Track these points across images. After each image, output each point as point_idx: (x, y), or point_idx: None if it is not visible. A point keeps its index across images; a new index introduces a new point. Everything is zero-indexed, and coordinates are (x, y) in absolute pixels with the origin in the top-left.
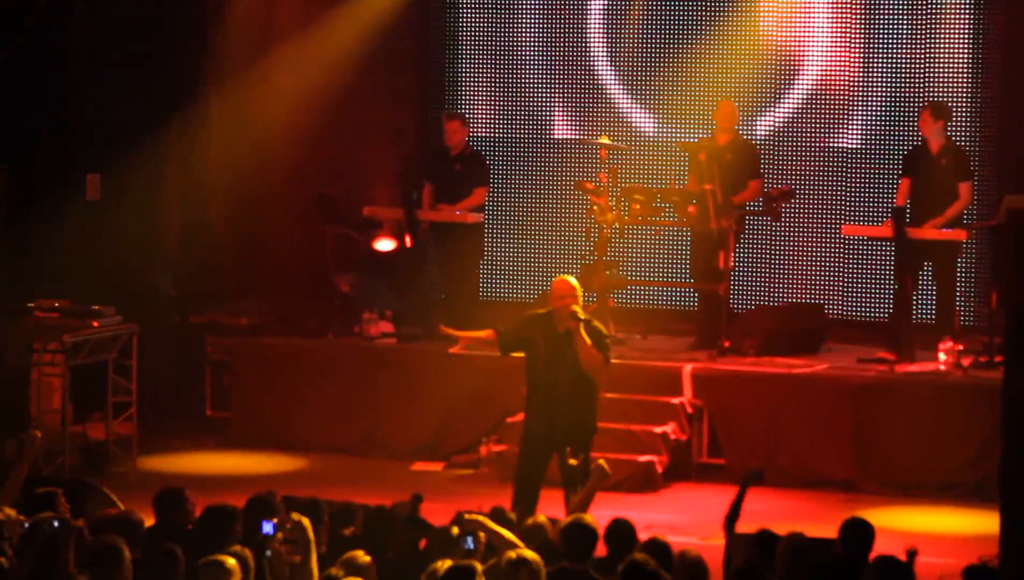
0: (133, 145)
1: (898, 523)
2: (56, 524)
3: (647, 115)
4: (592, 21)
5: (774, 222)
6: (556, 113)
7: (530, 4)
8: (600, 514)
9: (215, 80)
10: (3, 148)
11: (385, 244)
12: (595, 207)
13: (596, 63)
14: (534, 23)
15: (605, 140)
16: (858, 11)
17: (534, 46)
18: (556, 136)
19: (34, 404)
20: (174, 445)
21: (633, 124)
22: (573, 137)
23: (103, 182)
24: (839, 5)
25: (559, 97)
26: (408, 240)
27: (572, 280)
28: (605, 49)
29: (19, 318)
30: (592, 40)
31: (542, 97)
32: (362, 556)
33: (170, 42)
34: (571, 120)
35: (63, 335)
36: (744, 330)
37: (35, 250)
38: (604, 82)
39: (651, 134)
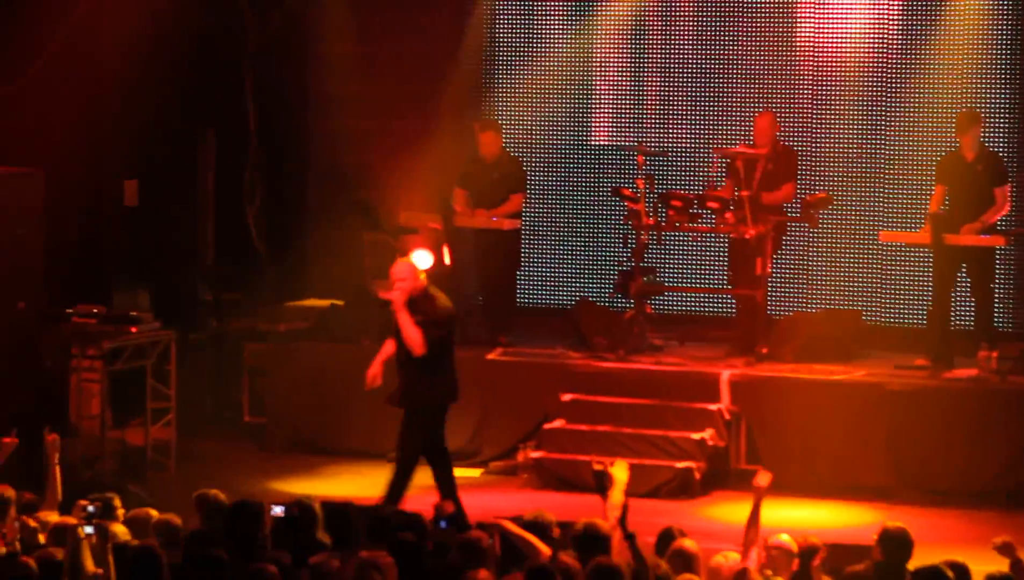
0: (170, 151)
1: (934, 530)
2: (91, 530)
3: (685, 121)
4: (628, 27)
5: (811, 228)
6: (593, 119)
7: (567, 10)
8: (638, 521)
9: (253, 86)
10: (40, 153)
11: (422, 259)
12: (632, 213)
13: (633, 69)
14: (571, 29)
15: (643, 146)
16: (894, 18)
17: (571, 52)
18: (593, 142)
19: (73, 410)
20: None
21: (670, 130)
22: (610, 143)
23: (141, 188)
24: (876, 12)
25: (596, 103)
26: (446, 254)
27: (408, 261)
28: (642, 55)
29: (58, 324)
30: (628, 46)
31: (579, 103)
32: (384, 556)
33: (209, 47)
34: (608, 126)
35: (102, 341)
36: (782, 336)
37: (73, 256)
38: (641, 88)
39: (688, 140)
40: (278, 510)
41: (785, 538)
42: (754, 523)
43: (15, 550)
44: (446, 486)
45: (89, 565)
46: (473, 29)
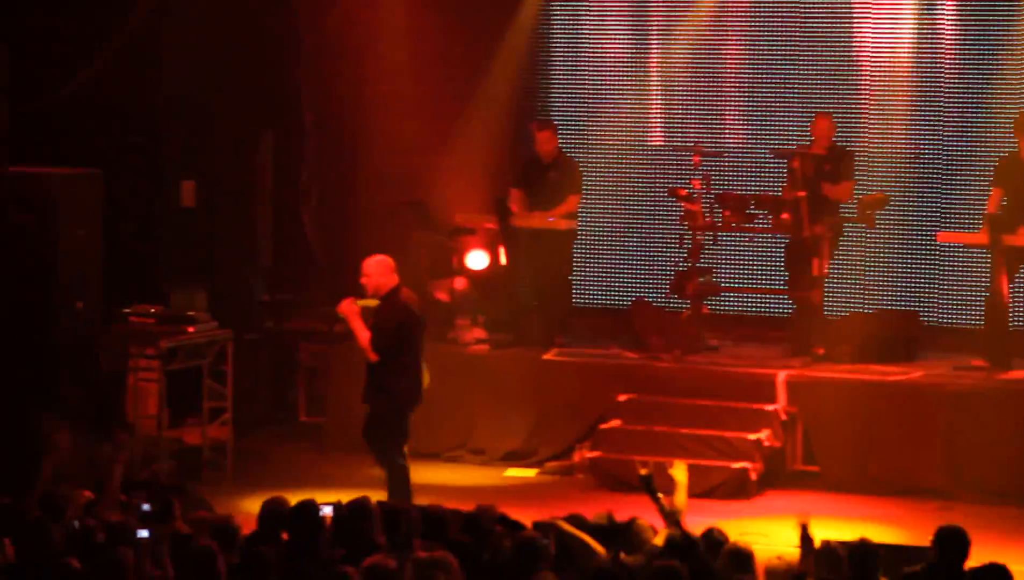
0: (227, 152)
1: (991, 531)
2: (147, 533)
3: (741, 121)
4: (685, 27)
5: (868, 229)
6: (649, 120)
7: (623, 10)
8: (695, 521)
9: (309, 87)
10: (99, 155)
11: (478, 260)
12: (688, 213)
13: (690, 69)
14: (627, 29)
15: (699, 146)
16: (952, 19)
17: (627, 52)
18: (649, 143)
19: (130, 409)
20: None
21: (726, 130)
22: (666, 144)
23: (198, 189)
24: (932, 13)
25: (652, 103)
26: (502, 255)
27: (373, 259)
28: (698, 55)
29: (115, 324)
30: (685, 46)
31: (635, 104)
32: (448, 557)
33: (265, 49)
34: (664, 127)
35: (159, 341)
36: (838, 337)
37: (131, 256)
38: (698, 88)
39: (745, 141)
40: (327, 510)
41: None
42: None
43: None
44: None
45: (149, 565)
46: (528, 29)
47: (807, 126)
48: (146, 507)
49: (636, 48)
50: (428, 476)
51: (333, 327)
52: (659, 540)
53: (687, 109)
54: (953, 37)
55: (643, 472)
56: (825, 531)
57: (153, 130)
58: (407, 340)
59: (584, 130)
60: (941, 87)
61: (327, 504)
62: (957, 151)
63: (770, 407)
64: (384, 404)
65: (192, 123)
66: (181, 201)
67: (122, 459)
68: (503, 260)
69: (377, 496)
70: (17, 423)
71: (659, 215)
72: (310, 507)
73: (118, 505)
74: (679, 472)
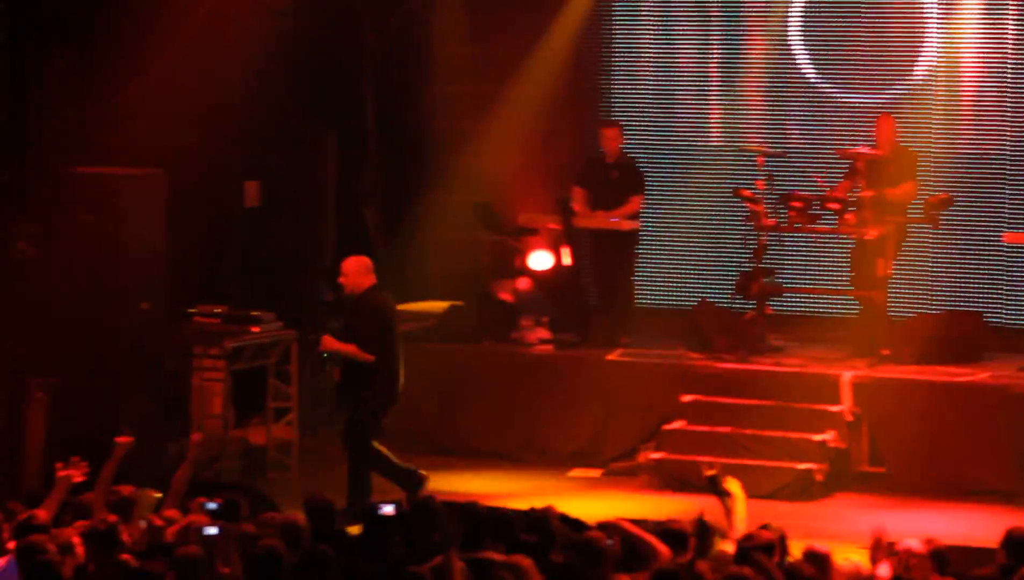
0: (291, 152)
1: None
2: (215, 530)
3: (806, 121)
4: (748, 26)
5: (933, 229)
6: (712, 120)
7: (685, 10)
8: (762, 523)
9: (373, 87)
10: (163, 155)
11: (541, 260)
12: (752, 214)
13: (753, 69)
14: (689, 29)
15: (762, 147)
16: (1016, 18)
17: (689, 52)
18: (713, 143)
19: (195, 409)
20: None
21: (791, 130)
22: (730, 144)
23: (262, 189)
24: (997, 12)
25: (715, 103)
26: (566, 255)
27: (352, 259)
28: (763, 54)
29: (180, 324)
30: (749, 45)
31: (698, 103)
32: (524, 559)
33: (329, 49)
34: (728, 127)
35: (224, 341)
36: (903, 338)
37: (195, 256)
38: (761, 87)
39: (809, 141)
40: (388, 509)
41: (915, 542)
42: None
43: (141, 550)
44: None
45: (219, 565)
46: (591, 29)
47: (871, 126)
48: (212, 506)
49: (699, 47)
50: (492, 476)
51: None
52: (729, 547)
53: (751, 109)
54: (1018, 36)
55: (709, 473)
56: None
57: (218, 130)
58: (388, 339)
59: (647, 130)
60: (1006, 87)
61: (388, 503)
62: (1022, 151)
63: (835, 408)
64: (361, 408)
65: (256, 124)
66: (245, 201)
67: (191, 458)
68: (567, 260)
69: (441, 495)
70: (84, 423)
71: (723, 216)
72: (372, 507)
73: (183, 505)
74: (734, 486)
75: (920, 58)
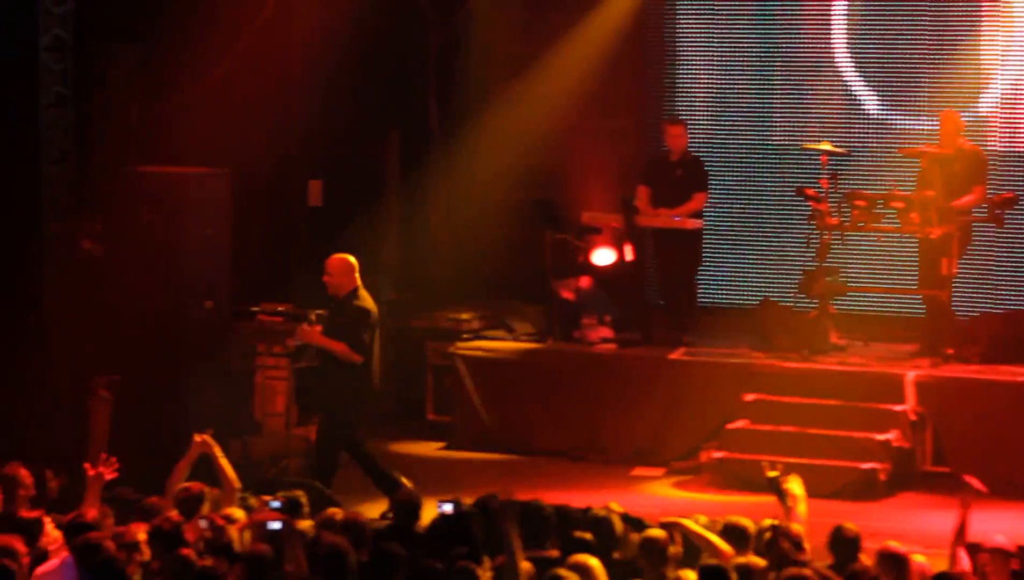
0: (354, 150)
1: None
2: (279, 525)
3: (869, 120)
4: (812, 25)
5: (998, 228)
6: (776, 119)
7: (748, 10)
8: (825, 522)
9: (436, 86)
10: (227, 154)
11: (604, 257)
12: (816, 213)
13: (817, 67)
14: (752, 29)
15: (826, 145)
16: None
17: (753, 52)
18: (776, 141)
19: (258, 407)
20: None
21: (854, 129)
22: (794, 142)
23: (325, 188)
24: None
25: (779, 102)
26: (628, 252)
27: (337, 259)
28: (826, 52)
29: (243, 322)
30: (812, 44)
31: (762, 103)
32: (590, 559)
33: (393, 48)
34: (791, 126)
35: (287, 339)
36: (968, 337)
37: (259, 255)
38: (825, 87)
39: (873, 139)
40: (447, 507)
41: (1001, 539)
42: (962, 534)
43: (200, 548)
44: (383, 481)
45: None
46: (655, 27)
47: (936, 125)
48: (275, 504)
49: (763, 45)
50: (554, 475)
51: (460, 325)
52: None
53: (814, 107)
54: None
55: (771, 473)
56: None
57: (281, 130)
58: (370, 341)
59: (710, 128)
60: None
61: (447, 502)
62: None
63: (899, 407)
64: (342, 408)
65: (320, 123)
66: (309, 200)
67: (190, 458)
68: (629, 258)
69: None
70: (147, 421)
71: (787, 214)
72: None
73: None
74: (795, 486)
75: (986, 57)
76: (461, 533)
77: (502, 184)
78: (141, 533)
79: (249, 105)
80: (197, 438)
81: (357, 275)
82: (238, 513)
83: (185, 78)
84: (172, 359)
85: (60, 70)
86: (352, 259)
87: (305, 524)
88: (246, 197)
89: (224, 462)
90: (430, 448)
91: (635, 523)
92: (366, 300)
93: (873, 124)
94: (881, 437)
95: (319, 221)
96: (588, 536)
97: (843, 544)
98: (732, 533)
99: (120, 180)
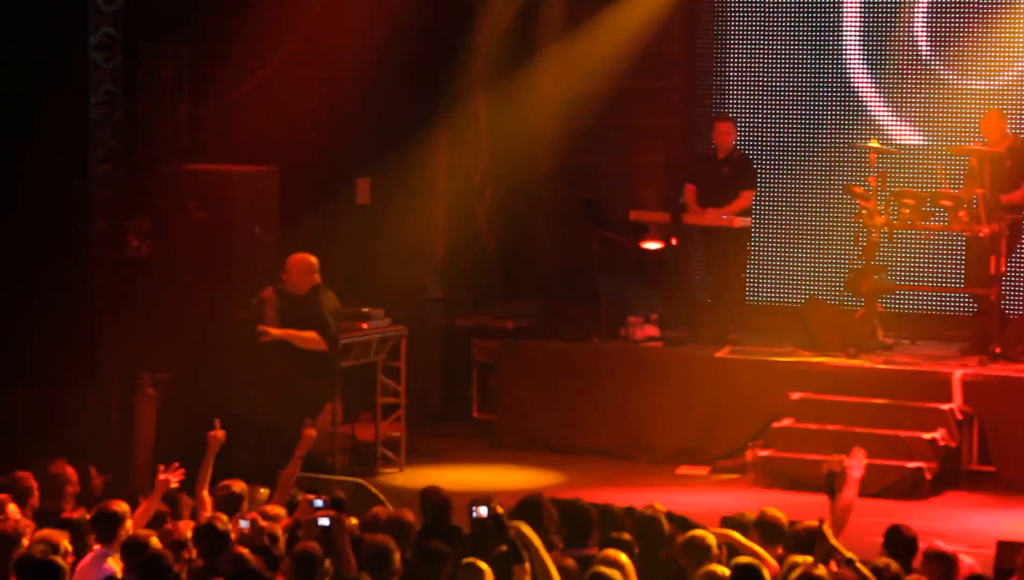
0: (402, 149)
1: None
2: (328, 522)
3: (918, 117)
4: (860, 22)
5: None
6: (824, 116)
7: (796, 7)
8: (870, 521)
9: (482, 85)
10: (275, 152)
11: (653, 243)
12: (864, 211)
13: (865, 64)
14: (800, 26)
15: (874, 144)
16: None
17: (800, 50)
18: (824, 140)
19: None
20: (441, 446)
21: (901, 128)
22: (841, 141)
23: (373, 186)
24: None
25: (827, 101)
26: (674, 239)
27: (297, 258)
28: (874, 50)
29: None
30: (858, 43)
31: (809, 101)
32: (620, 554)
33: (441, 46)
34: (839, 124)
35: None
36: (1016, 336)
37: (306, 252)
38: (872, 85)
39: (921, 138)
40: (482, 510)
41: None
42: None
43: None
44: None
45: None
46: (703, 24)
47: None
48: (319, 503)
49: (811, 44)
50: (599, 473)
51: (506, 323)
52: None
53: (863, 105)
54: None
55: (831, 470)
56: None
57: (330, 127)
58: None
59: (759, 126)
60: None
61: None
62: None
63: (945, 406)
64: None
65: (368, 121)
66: (357, 198)
67: (299, 455)
68: (674, 241)
69: (547, 492)
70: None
71: (834, 212)
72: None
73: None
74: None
75: None
76: (500, 532)
77: (549, 182)
78: (188, 531)
79: (297, 102)
80: (309, 433)
81: (318, 274)
82: (280, 511)
83: (233, 76)
84: (219, 356)
85: (109, 68)
86: (313, 258)
87: (351, 522)
88: (294, 195)
89: (299, 463)
90: (475, 446)
91: (681, 523)
92: (330, 296)
93: (922, 121)
94: (927, 436)
95: (367, 219)
96: (627, 536)
97: (900, 543)
98: (765, 527)
99: (168, 178)
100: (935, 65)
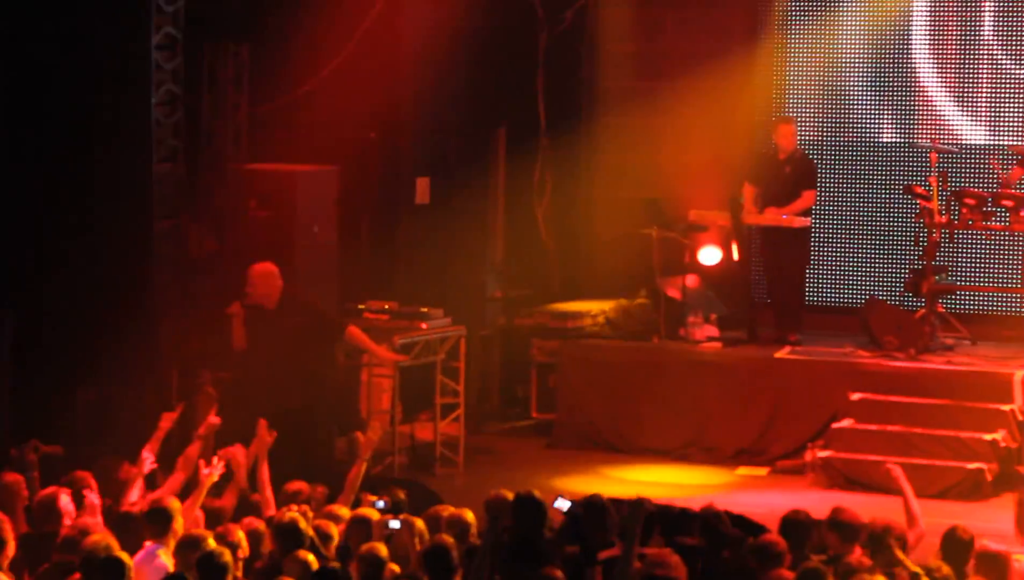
0: (462, 148)
1: None
2: (398, 523)
3: (979, 117)
4: (921, 22)
5: None
6: (884, 117)
7: (858, 7)
8: (930, 522)
9: (544, 83)
10: (335, 152)
11: (711, 255)
12: (924, 211)
13: (926, 64)
14: (861, 27)
15: (935, 143)
16: None
17: (861, 50)
18: (884, 140)
19: (364, 405)
20: (500, 446)
21: (962, 128)
22: (902, 141)
23: (432, 186)
24: None
25: (887, 101)
26: (735, 250)
27: (258, 269)
28: (936, 50)
29: (350, 320)
30: (922, 41)
31: (870, 101)
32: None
33: (501, 45)
34: (900, 124)
35: (393, 337)
36: None
37: (366, 253)
38: (935, 84)
39: (981, 138)
40: (564, 504)
41: None
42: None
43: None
44: None
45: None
46: (765, 25)
47: None
48: (380, 504)
49: (872, 43)
50: (658, 474)
51: (566, 323)
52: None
53: (924, 105)
54: None
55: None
56: None
57: (389, 127)
58: None
59: (820, 126)
60: None
61: (564, 500)
62: None
63: (1006, 407)
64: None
65: (428, 120)
66: (416, 197)
67: (365, 455)
68: (736, 257)
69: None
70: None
71: (894, 213)
72: (535, 504)
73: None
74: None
75: None
76: (573, 532)
77: (608, 181)
78: (239, 531)
79: (357, 102)
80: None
81: (280, 278)
82: (343, 511)
83: (294, 76)
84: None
85: (171, 68)
86: (274, 266)
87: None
88: (354, 194)
89: (364, 465)
90: (534, 446)
91: (743, 523)
92: (313, 296)
93: (984, 121)
94: (988, 437)
95: (427, 218)
96: (692, 537)
97: (956, 546)
98: (840, 527)
99: (229, 178)
100: (1005, 64)
